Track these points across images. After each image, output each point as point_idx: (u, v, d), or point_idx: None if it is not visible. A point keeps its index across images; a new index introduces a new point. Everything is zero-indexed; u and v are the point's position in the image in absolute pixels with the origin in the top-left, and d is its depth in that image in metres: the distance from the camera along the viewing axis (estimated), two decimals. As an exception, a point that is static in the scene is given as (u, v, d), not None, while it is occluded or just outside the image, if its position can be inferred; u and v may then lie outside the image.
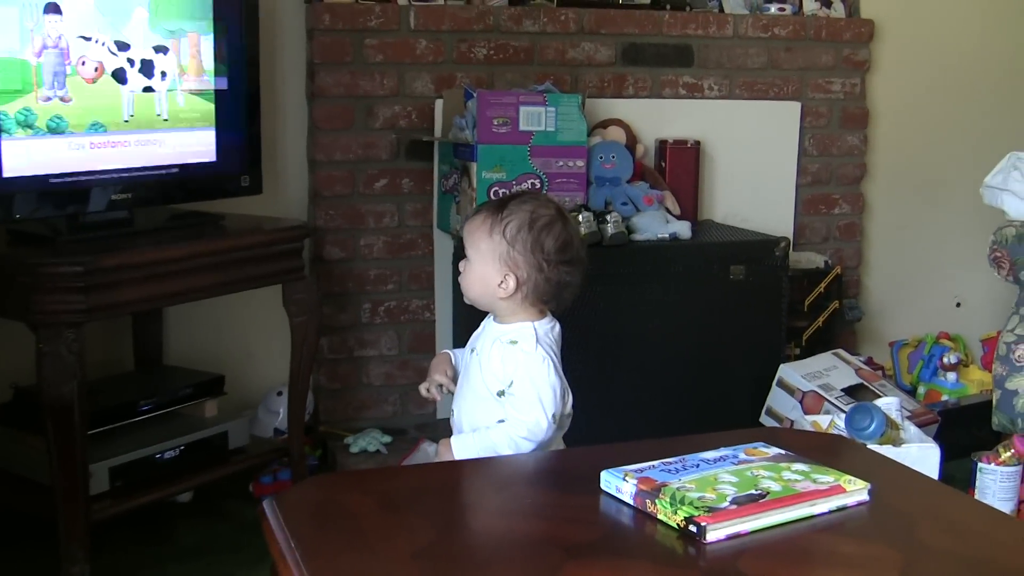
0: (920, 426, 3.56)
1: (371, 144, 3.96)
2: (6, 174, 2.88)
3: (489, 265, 2.29)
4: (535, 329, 2.30)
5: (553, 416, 2.24)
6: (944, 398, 4.29)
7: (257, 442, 3.59)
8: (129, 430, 3.26)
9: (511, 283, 2.28)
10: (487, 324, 2.38)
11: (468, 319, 2.44)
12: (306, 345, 3.49)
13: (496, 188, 3.64)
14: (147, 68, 3.17)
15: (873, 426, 3.23)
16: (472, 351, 2.38)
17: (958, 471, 3.53)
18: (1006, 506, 3.35)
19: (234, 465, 3.41)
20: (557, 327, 2.36)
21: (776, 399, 3.84)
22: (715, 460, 1.88)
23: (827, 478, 1.82)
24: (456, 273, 2.55)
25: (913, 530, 1.76)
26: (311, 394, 3.84)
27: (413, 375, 4.10)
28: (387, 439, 3.89)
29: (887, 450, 3.15)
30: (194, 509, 3.59)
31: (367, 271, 4.02)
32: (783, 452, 1.94)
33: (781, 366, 3.88)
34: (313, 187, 3.95)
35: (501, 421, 2.28)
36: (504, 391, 2.27)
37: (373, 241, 4.01)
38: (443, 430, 2.49)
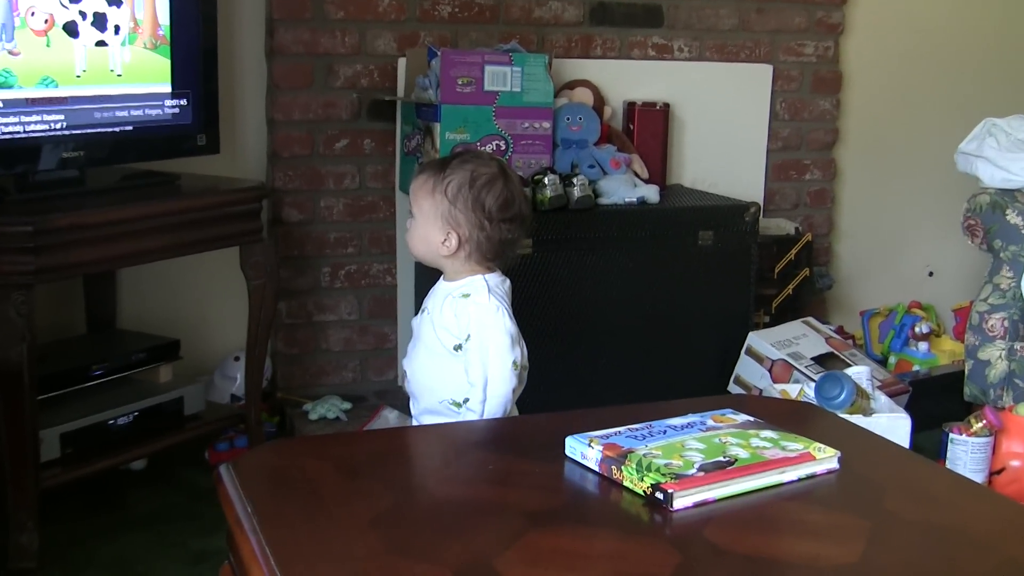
0: (890, 396, 3.58)
1: (331, 104, 3.94)
2: (-48, 130, 2.86)
3: (432, 224, 2.34)
4: (486, 281, 2.35)
5: (514, 363, 2.29)
6: (915, 368, 4.32)
7: (213, 408, 3.59)
8: (80, 395, 3.25)
9: (453, 241, 2.33)
10: (438, 284, 2.42)
11: (430, 284, 2.44)
12: (264, 309, 3.48)
13: (459, 150, 3.63)
14: (100, 21, 3.13)
15: (843, 395, 3.24)
16: (424, 311, 2.41)
17: (928, 442, 3.56)
18: (977, 477, 3.37)
19: (189, 432, 3.41)
20: (508, 282, 2.41)
21: (744, 367, 3.86)
22: (682, 427, 1.88)
23: (796, 445, 1.83)
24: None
25: (882, 499, 1.76)
26: (269, 359, 3.83)
27: (373, 341, 4.09)
28: (346, 406, 3.89)
29: (857, 420, 3.14)
30: (148, 477, 3.57)
31: (327, 234, 4.00)
32: (751, 419, 1.94)
33: (750, 334, 3.89)
34: (272, 147, 3.93)
35: (466, 400, 2.30)
36: (461, 345, 2.31)
37: (333, 203, 3.99)
38: (404, 397, 2.50)
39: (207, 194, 3.34)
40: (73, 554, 3.08)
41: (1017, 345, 3.63)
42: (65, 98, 3.08)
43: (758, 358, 3.83)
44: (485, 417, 2.27)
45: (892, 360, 4.46)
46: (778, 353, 3.80)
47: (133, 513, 3.35)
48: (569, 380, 3.67)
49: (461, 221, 2.32)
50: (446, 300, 2.34)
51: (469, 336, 2.30)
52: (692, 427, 1.88)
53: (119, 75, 3.20)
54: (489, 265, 2.37)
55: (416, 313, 2.48)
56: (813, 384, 3.37)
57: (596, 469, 1.77)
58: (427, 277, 2.47)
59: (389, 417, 3.68)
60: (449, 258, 2.35)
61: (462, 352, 2.31)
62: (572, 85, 4.10)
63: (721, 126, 4.43)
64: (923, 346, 4.42)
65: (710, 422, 1.91)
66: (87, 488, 3.39)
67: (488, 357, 2.28)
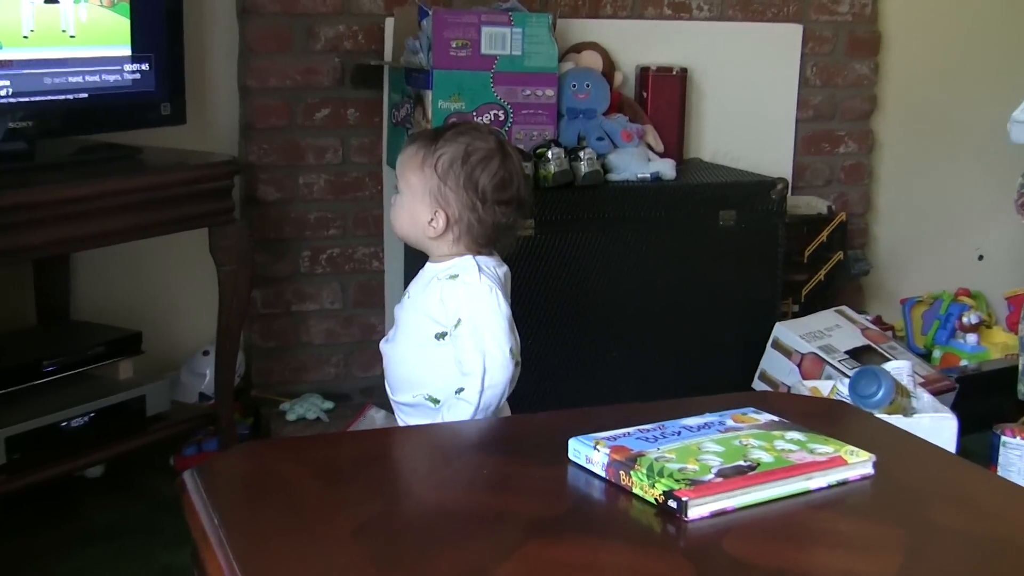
0: (935, 394, 3.58)
1: (311, 69, 3.93)
2: None
3: (419, 201, 2.35)
4: (476, 261, 2.35)
5: (511, 350, 2.29)
6: (962, 363, 4.32)
7: (179, 408, 3.59)
8: (30, 394, 3.25)
9: (441, 221, 2.34)
10: (424, 267, 2.43)
11: (421, 267, 2.44)
12: (236, 298, 3.47)
13: (453, 120, 3.63)
14: (51, -23, 3.14)
15: (880, 393, 3.24)
16: (406, 296, 2.43)
17: (977, 445, 3.55)
18: (1029, 484, 3.37)
19: (153, 434, 3.41)
20: (505, 268, 2.41)
21: (770, 362, 3.86)
22: (699, 427, 1.88)
23: (826, 448, 1.82)
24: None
25: (922, 508, 1.76)
26: (242, 354, 3.83)
27: (358, 332, 4.10)
28: (328, 405, 3.89)
29: (896, 420, 3.15)
30: (106, 485, 3.58)
31: (306, 214, 4.00)
32: (776, 419, 1.94)
33: (776, 325, 3.89)
34: (245, 118, 3.93)
35: (461, 389, 2.30)
36: (446, 332, 2.32)
37: (313, 180, 3.99)
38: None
39: (172, 170, 3.34)
40: (23, 571, 3.08)
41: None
42: (10, 61, 3.07)
43: (785, 352, 3.83)
44: (480, 411, 2.28)
45: (937, 354, 4.47)
46: (808, 346, 3.80)
47: (90, 525, 3.36)
48: (574, 375, 3.68)
49: (451, 200, 2.33)
50: (431, 283, 2.35)
51: (459, 321, 2.30)
52: (710, 428, 1.88)
53: (72, 36, 3.19)
54: (480, 250, 2.38)
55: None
56: (847, 380, 3.37)
57: (602, 474, 1.77)
58: (418, 261, 2.47)
59: (376, 417, 3.69)
60: (435, 240, 2.36)
61: (446, 340, 2.32)
62: (579, 48, 4.10)
63: (745, 93, 4.43)
64: (971, 338, 4.42)
65: (730, 422, 1.91)
66: (38, 497, 3.40)
67: (484, 342, 2.28)
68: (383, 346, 2.47)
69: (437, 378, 2.34)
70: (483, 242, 2.37)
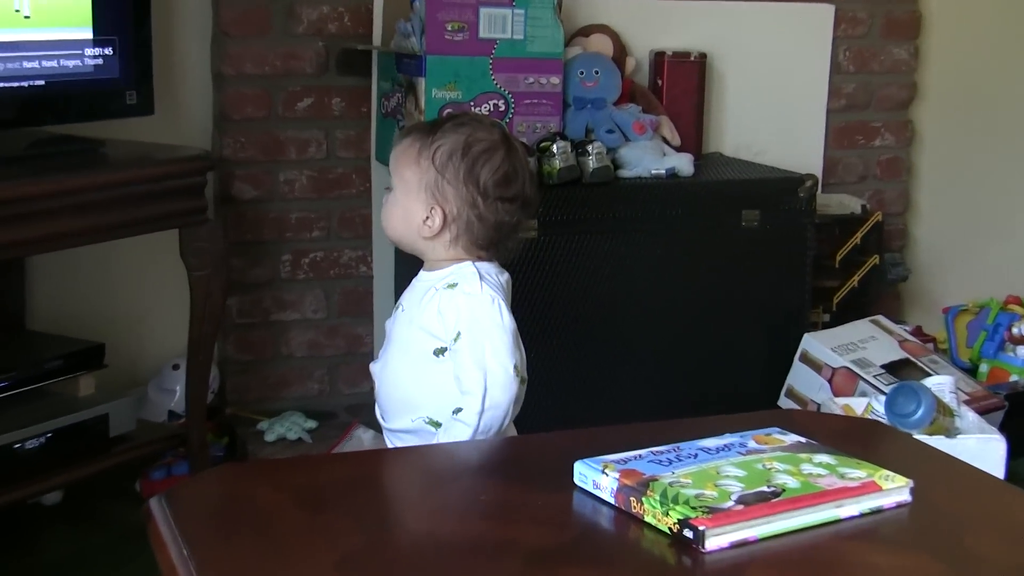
0: (981, 413, 3.57)
1: (292, 54, 3.94)
2: None
3: (414, 197, 2.35)
4: (476, 268, 2.35)
5: (515, 367, 2.29)
6: (1012, 378, 4.32)
7: (146, 428, 3.58)
8: (-18, 412, 3.26)
9: (437, 219, 2.34)
10: (418, 275, 2.43)
11: (413, 274, 2.44)
12: (209, 306, 3.47)
13: (449, 110, 3.63)
14: (5, -48, 3.14)
15: (920, 411, 3.24)
16: (399, 308, 2.43)
17: (1026, 469, 3.56)
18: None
19: (116, 457, 3.40)
20: (507, 276, 2.42)
21: (798, 377, 3.86)
22: (717, 449, 1.88)
23: (858, 473, 1.83)
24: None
25: (964, 538, 1.76)
26: (215, 368, 3.84)
27: (344, 344, 4.10)
28: (311, 424, 3.90)
29: (938, 441, 3.16)
30: (65, 513, 3.58)
31: (287, 214, 4.01)
32: (804, 440, 1.94)
33: (805, 336, 3.89)
34: (219, 108, 3.94)
35: (459, 410, 2.30)
36: (446, 348, 2.31)
37: (295, 176, 4.00)
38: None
39: (138, 165, 3.34)
40: (-26, 607, 3.09)
41: None
42: (-37, 47, 3.08)
43: (815, 366, 3.83)
44: (479, 434, 2.27)
45: (983, 368, 4.47)
46: (840, 359, 3.80)
47: (47, 558, 3.36)
48: (580, 391, 3.68)
49: (449, 195, 2.33)
50: (427, 293, 2.35)
51: (459, 335, 2.30)
52: (730, 449, 1.88)
53: (27, 17, 3.20)
54: (480, 254, 2.38)
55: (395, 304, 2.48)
56: (883, 398, 3.37)
57: (611, 500, 1.77)
58: (410, 266, 2.48)
59: (363, 438, 3.69)
60: (431, 240, 2.36)
61: (446, 356, 2.32)
62: (587, 31, 4.11)
63: (770, 81, 4.43)
64: (1022, 351, 4.42)
65: (752, 443, 1.91)
66: (-9, 526, 3.41)
67: (485, 358, 2.28)
68: (374, 368, 2.47)
69: (437, 399, 2.34)
70: (483, 244, 2.37)
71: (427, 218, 2.34)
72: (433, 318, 2.32)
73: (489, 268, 2.38)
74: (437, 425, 2.33)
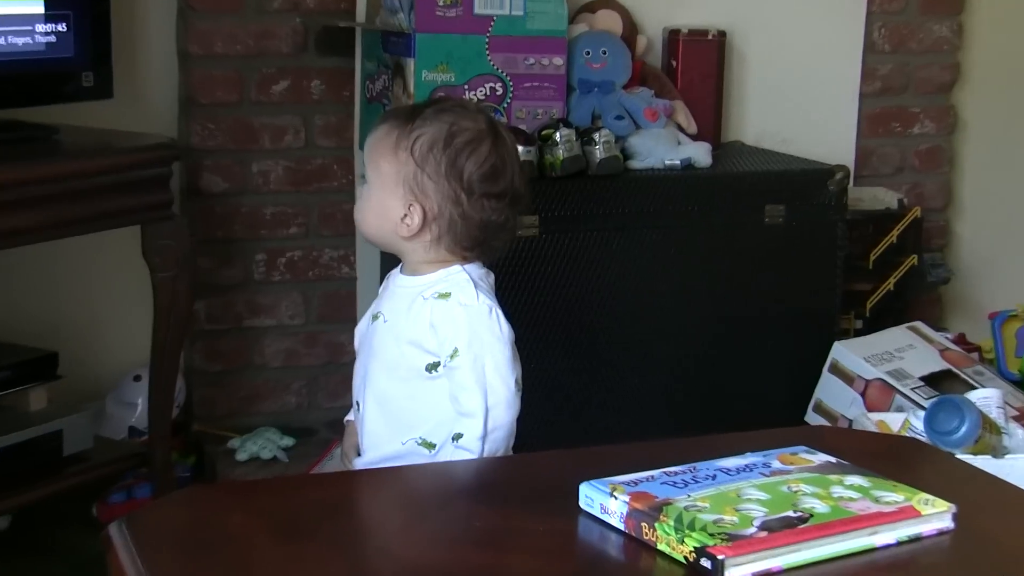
0: (1029, 429, 3.59)
1: (267, 32, 3.94)
2: None
3: (390, 192, 2.34)
4: (468, 274, 2.34)
5: (517, 381, 2.30)
6: (1066, 392, 4.33)
7: (104, 446, 3.59)
8: (-79, 428, 3.26)
9: (416, 218, 2.33)
10: (393, 279, 2.43)
11: (398, 274, 2.45)
12: (175, 311, 3.47)
13: (442, 95, 3.63)
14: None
15: (963, 428, 3.24)
16: (376, 318, 2.42)
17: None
18: None
19: (71, 478, 3.40)
20: (492, 276, 2.41)
21: (827, 389, 3.86)
22: (738, 470, 1.88)
23: (895, 496, 1.83)
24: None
25: (1012, 569, 1.77)
26: (182, 379, 3.84)
27: (325, 353, 4.10)
28: (288, 442, 3.90)
29: (983, 461, 3.16)
30: (13, 539, 3.58)
31: (261, 209, 4.01)
32: (834, 460, 1.94)
33: (835, 345, 3.90)
34: (185, 91, 3.94)
35: (459, 435, 2.30)
36: (441, 363, 2.31)
37: (270, 167, 4.00)
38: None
39: (96, 154, 3.34)
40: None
41: None
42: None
43: (846, 377, 3.83)
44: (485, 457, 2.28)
45: (1033, 380, 4.47)
46: (874, 371, 3.80)
47: (-5, 588, 3.37)
48: (585, 405, 3.68)
49: (430, 191, 2.32)
50: (414, 303, 2.34)
51: (456, 351, 2.29)
52: (752, 470, 1.88)
53: (-25, -8, 3.21)
54: (465, 255, 2.37)
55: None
56: (922, 413, 3.38)
57: (620, 526, 1.77)
58: (395, 266, 2.47)
59: (345, 457, 3.69)
60: (410, 241, 2.35)
61: (440, 372, 2.31)
62: (593, 7, 4.11)
63: (796, 62, 4.44)
64: (1077, 362, 4.43)
65: (776, 463, 1.91)
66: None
67: (486, 376, 2.28)
68: (358, 394, 2.46)
69: (431, 417, 2.34)
70: (467, 244, 2.36)
71: (405, 216, 2.33)
72: (425, 332, 2.32)
73: (477, 271, 2.37)
74: (431, 446, 2.33)
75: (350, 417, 2.55)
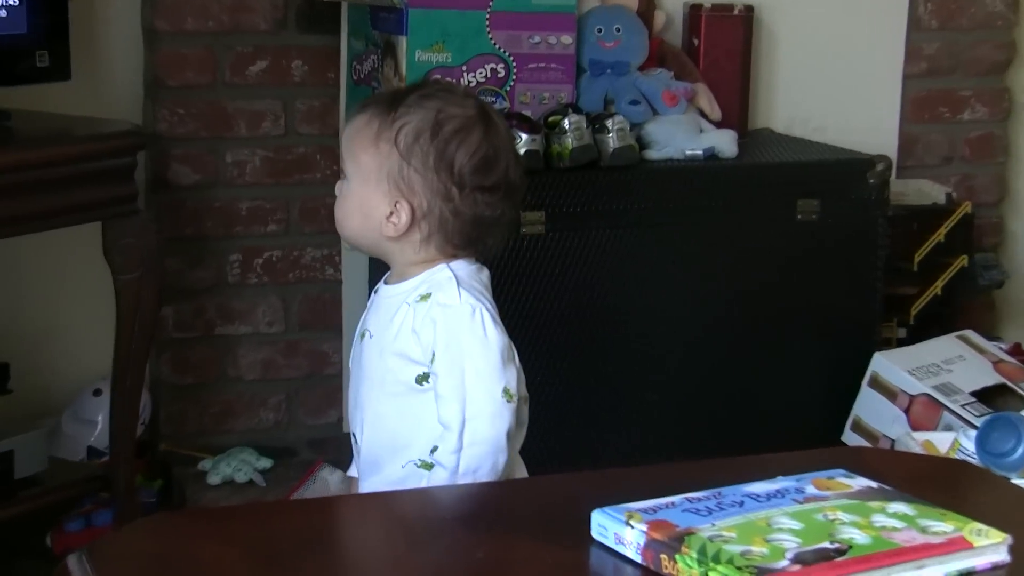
0: (1094, 452, 3.59)
1: (242, 6, 3.95)
2: None
3: (373, 188, 2.34)
4: (452, 270, 2.34)
5: (505, 391, 2.27)
6: None
7: (60, 468, 3.59)
8: None
9: (403, 216, 2.33)
10: (380, 292, 2.42)
11: (390, 277, 2.45)
12: (140, 317, 3.48)
13: (436, 76, 3.64)
14: None
15: (1020, 449, 3.25)
16: (363, 336, 2.42)
17: None
18: None
19: (23, 504, 3.41)
20: (486, 272, 2.40)
21: (867, 406, 3.86)
22: (768, 495, 1.88)
23: (943, 526, 1.83)
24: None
25: (1073, 605, 1.77)
26: (147, 394, 3.84)
27: (307, 364, 4.11)
28: (265, 463, 3.90)
29: (1039, 487, 3.17)
30: (-39, 571, 3.60)
31: (236, 203, 4.02)
32: (875, 485, 1.94)
33: (875, 355, 3.90)
34: (152, 72, 3.94)
35: (434, 448, 2.29)
36: (428, 372, 2.30)
37: (246, 157, 4.01)
38: (350, 450, 2.50)
39: (52, 142, 3.35)
40: None
41: None
42: None
43: (888, 392, 3.83)
44: (460, 476, 2.26)
45: (1098, 397, 4.48)
46: (919, 385, 3.80)
47: (-61, 627, 3.37)
48: (597, 422, 3.68)
49: (417, 186, 2.31)
50: (398, 311, 2.33)
51: (434, 355, 2.29)
52: (783, 496, 1.88)
53: (-82, -38, 3.21)
54: (456, 253, 2.37)
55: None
56: (974, 432, 3.37)
57: (637, 558, 1.77)
58: (386, 268, 2.47)
59: (330, 480, 3.70)
60: (397, 241, 2.35)
61: (430, 384, 2.30)
62: (607, -22, 4.12)
63: (832, 40, 4.44)
64: None
65: (811, 489, 1.91)
66: None
67: (464, 383, 2.27)
68: (353, 414, 2.46)
69: (427, 435, 2.32)
70: (459, 242, 2.35)
71: (391, 214, 2.33)
72: (408, 339, 2.31)
73: (466, 268, 2.36)
74: (429, 467, 2.32)
75: (352, 473, 2.53)
